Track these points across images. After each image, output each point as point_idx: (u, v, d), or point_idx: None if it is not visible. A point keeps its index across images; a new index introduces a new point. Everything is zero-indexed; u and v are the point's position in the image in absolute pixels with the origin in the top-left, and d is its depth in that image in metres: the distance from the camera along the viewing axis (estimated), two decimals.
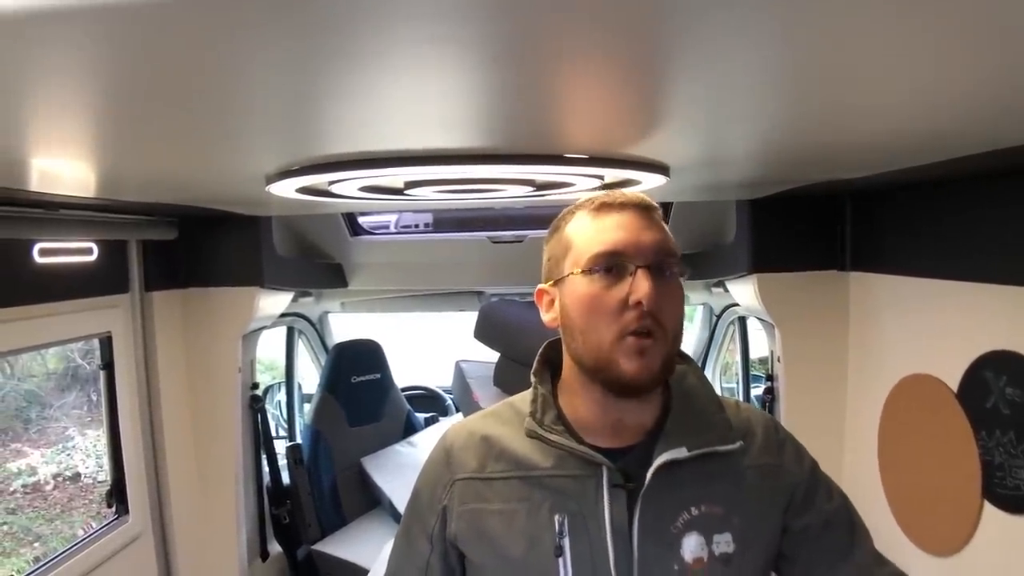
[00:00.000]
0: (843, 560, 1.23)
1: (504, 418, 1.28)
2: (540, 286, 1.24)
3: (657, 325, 1.10)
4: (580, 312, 1.14)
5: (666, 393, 1.24)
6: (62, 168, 1.56)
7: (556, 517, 1.16)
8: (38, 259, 2.20)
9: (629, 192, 1.20)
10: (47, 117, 1.08)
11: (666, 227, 1.18)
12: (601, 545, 1.14)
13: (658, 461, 1.15)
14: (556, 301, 1.20)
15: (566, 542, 1.15)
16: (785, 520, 1.22)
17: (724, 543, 1.15)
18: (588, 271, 1.14)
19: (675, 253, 1.16)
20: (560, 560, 1.15)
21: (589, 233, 1.16)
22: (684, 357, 1.28)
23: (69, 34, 0.68)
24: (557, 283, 1.20)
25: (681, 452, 1.15)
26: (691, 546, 1.14)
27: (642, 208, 1.17)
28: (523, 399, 1.29)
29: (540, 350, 1.30)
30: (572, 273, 1.16)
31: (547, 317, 1.23)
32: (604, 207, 1.17)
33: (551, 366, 1.29)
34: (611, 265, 1.12)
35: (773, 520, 1.21)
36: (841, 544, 1.24)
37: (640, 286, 1.09)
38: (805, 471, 1.26)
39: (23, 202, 1.94)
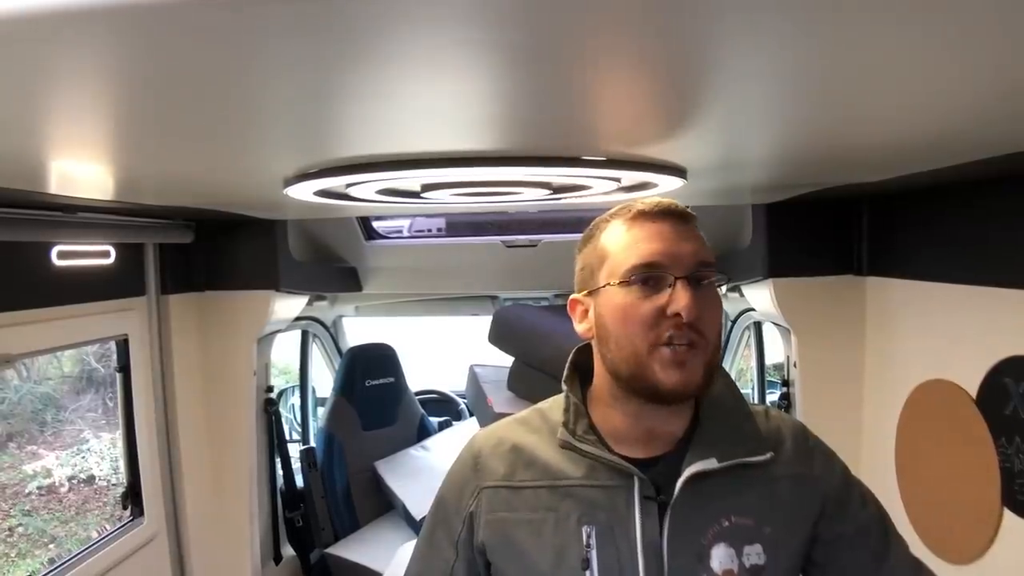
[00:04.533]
0: (877, 567, 1.20)
1: (533, 426, 1.27)
2: (573, 296, 1.22)
3: (698, 335, 1.09)
4: (615, 322, 1.13)
5: (696, 402, 1.22)
6: (81, 171, 1.56)
7: (584, 528, 1.15)
8: (56, 262, 2.22)
9: (665, 199, 1.18)
10: (66, 119, 1.08)
11: (702, 235, 1.17)
12: (631, 558, 1.13)
13: (688, 472, 1.14)
14: (590, 311, 1.19)
15: (593, 554, 1.14)
16: (817, 530, 1.20)
17: (755, 555, 1.14)
18: (625, 282, 1.12)
19: (712, 262, 1.14)
20: (587, 573, 1.14)
21: (625, 243, 1.14)
22: None
23: (89, 36, 0.68)
24: (591, 293, 1.18)
25: (711, 463, 1.14)
26: (720, 557, 1.13)
27: (679, 216, 1.15)
28: (552, 406, 1.28)
29: (570, 356, 1.27)
30: (608, 284, 1.14)
31: (580, 328, 1.21)
32: (641, 215, 1.15)
33: (580, 372, 1.27)
34: (649, 276, 1.11)
35: (803, 530, 1.19)
36: (875, 551, 1.21)
37: (679, 297, 1.08)
38: (836, 478, 1.24)
39: (42, 205, 1.95)
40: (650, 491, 1.14)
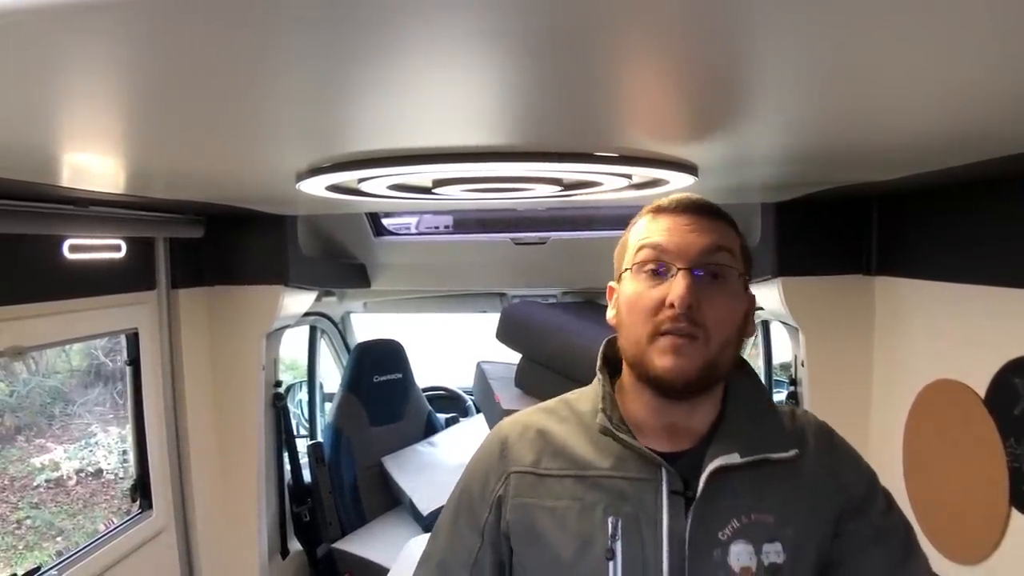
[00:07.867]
0: (894, 574, 1.18)
1: (561, 415, 1.28)
2: (610, 283, 1.27)
3: (696, 327, 1.11)
4: (626, 309, 1.17)
5: (723, 399, 1.22)
6: (93, 164, 1.57)
7: (610, 519, 1.15)
8: (68, 255, 2.23)
9: (693, 195, 1.22)
10: (79, 111, 1.09)
11: (727, 230, 1.19)
12: (655, 550, 1.12)
13: (711, 466, 1.13)
14: (615, 299, 1.23)
15: (618, 545, 1.14)
16: (836, 527, 1.18)
17: (773, 553, 1.13)
18: (635, 270, 1.17)
19: (726, 256, 1.16)
20: (611, 564, 1.13)
21: (642, 234, 1.19)
22: (740, 362, 1.26)
23: (102, 27, 0.68)
24: (619, 281, 1.22)
25: (734, 458, 1.14)
26: (739, 554, 1.12)
27: (696, 210, 1.18)
28: (580, 397, 1.30)
29: (601, 347, 1.30)
30: (624, 270, 1.19)
31: (609, 314, 1.25)
32: (659, 209, 1.21)
33: (608, 364, 1.29)
34: (654, 265, 1.15)
35: (824, 531, 1.18)
36: (894, 558, 1.19)
37: (676, 287, 1.11)
38: (862, 481, 1.23)
39: (55, 198, 1.97)
40: (678, 485, 1.14)
